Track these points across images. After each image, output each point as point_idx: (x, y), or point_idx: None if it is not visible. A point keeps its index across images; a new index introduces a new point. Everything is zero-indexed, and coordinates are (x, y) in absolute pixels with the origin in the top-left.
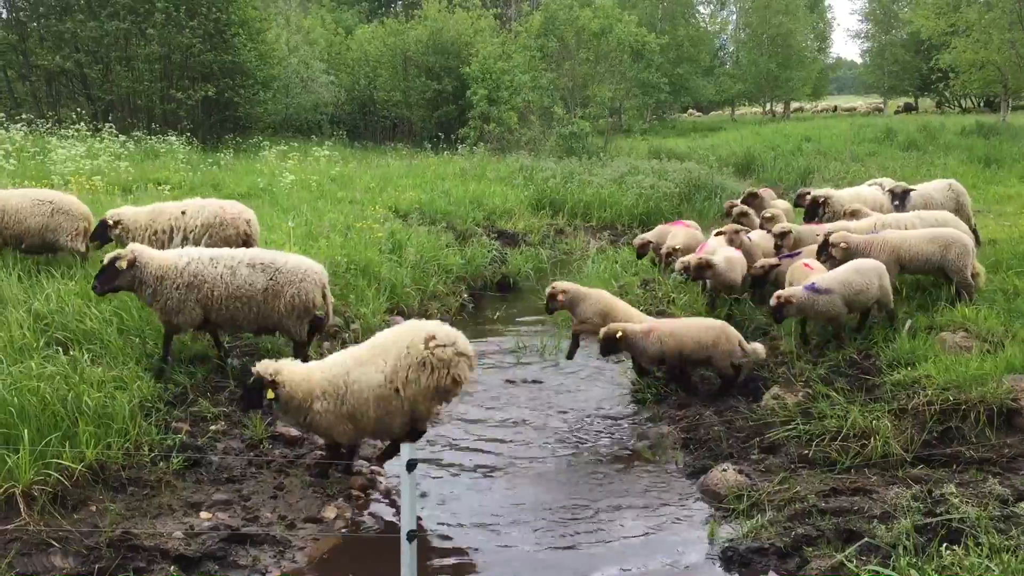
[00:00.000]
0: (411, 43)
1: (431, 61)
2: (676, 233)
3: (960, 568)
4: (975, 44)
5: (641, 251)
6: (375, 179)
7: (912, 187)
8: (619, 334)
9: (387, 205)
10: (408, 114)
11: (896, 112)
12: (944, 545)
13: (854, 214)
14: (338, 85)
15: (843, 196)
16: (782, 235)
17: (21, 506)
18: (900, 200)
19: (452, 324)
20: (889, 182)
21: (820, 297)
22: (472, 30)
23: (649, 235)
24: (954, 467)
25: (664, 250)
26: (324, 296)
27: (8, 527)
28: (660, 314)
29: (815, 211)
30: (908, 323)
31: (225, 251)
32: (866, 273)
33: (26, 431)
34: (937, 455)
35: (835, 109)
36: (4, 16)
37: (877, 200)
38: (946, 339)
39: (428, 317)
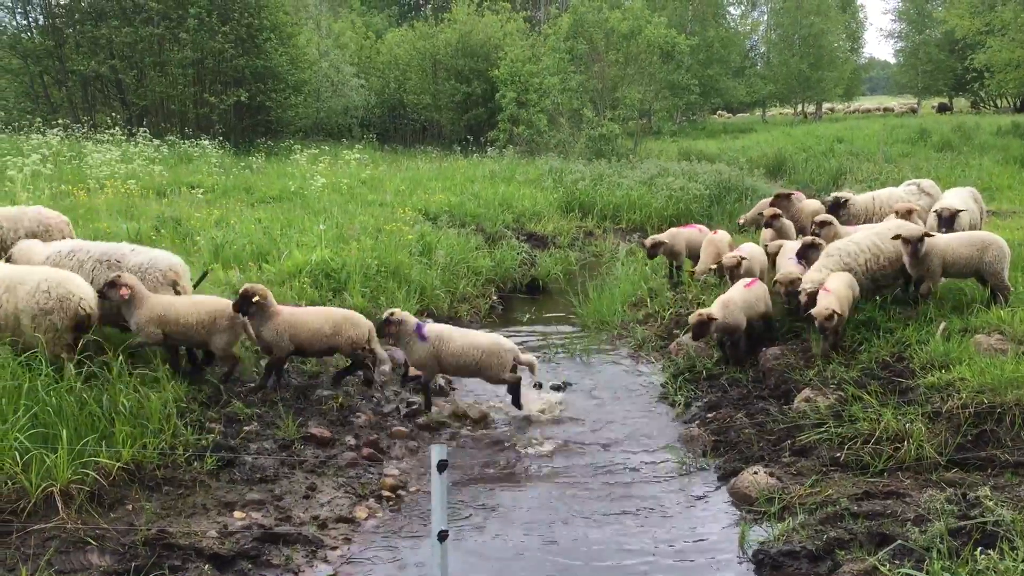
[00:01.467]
0: (440, 46)
1: (460, 64)
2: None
3: (995, 572)
4: (1011, 43)
5: (652, 252)
6: (405, 182)
7: (961, 208)
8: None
9: (417, 208)
10: (437, 117)
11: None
12: (979, 549)
13: (908, 213)
14: (368, 89)
15: (859, 200)
16: (822, 225)
17: (59, 505)
18: (947, 224)
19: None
20: (928, 184)
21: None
22: (501, 33)
23: (663, 236)
24: (989, 470)
25: (699, 272)
26: (178, 291)
27: (47, 525)
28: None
29: (836, 212)
30: (942, 325)
31: (81, 244)
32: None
33: (64, 431)
34: (972, 458)
35: (861, 111)
36: (41, 22)
37: (902, 202)
38: (981, 341)
39: (458, 319)
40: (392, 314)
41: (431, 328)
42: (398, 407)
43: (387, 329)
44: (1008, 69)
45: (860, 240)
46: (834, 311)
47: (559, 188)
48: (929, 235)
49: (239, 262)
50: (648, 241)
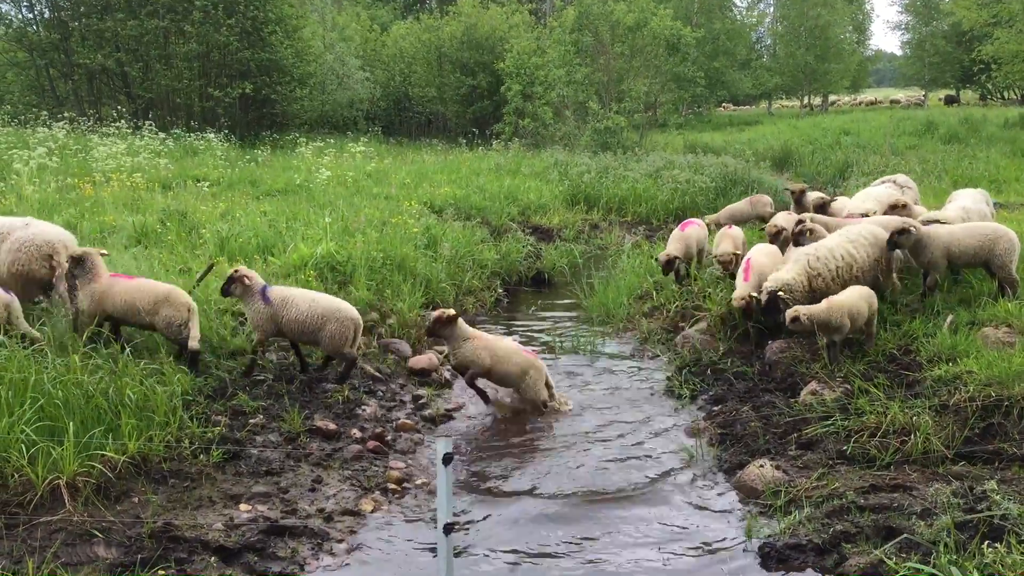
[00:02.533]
0: (446, 39)
1: (465, 57)
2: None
3: (1002, 566)
4: (1018, 35)
5: (668, 267)
6: (410, 175)
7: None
8: None
9: (422, 201)
10: (443, 110)
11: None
12: (986, 542)
13: (900, 207)
14: (373, 81)
15: (868, 206)
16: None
17: (65, 497)
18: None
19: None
20: (903, 178)
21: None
22: (506, 25)
23: (673, 250)
24: (996, 464)
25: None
26: (52, 266)
27: (53, 518)
28: (696, 309)
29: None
30: (949, 318)
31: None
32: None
33: (71, 424)
34: (979, 452)
35: (866, 103)
36: (46, 15)
37: (893, 198)
38: (988, 334)
39: (463, 311)
40: (236, 271)
41: (275, 291)
42: (403, 400)
43: (231, 287)
44: (1015, 61)
45: (833, 247)
46: (798, 316)
47: (564, 181)
48: (908, 230)
49: (244, 255)
50: (662, 257)
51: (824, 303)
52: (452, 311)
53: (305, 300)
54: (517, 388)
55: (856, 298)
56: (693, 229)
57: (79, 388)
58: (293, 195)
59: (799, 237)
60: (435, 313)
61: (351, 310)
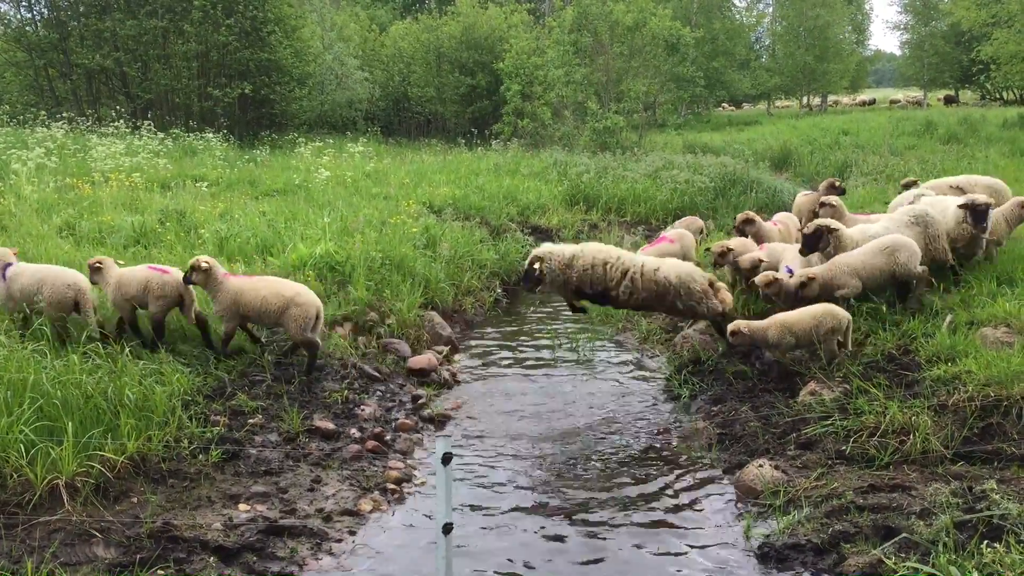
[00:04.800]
0: (444, 39)
1: (464, 57)
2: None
3: (1001, 565)
4: (1017, 35)
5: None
6: (409, 175)
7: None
8: None
9: (421, 201)
10: (442, 110)
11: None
12: (985, 542)
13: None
14: (372, 82)
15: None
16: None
17: (64, 497)
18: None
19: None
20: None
21: None
22: (505, 25)
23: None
24: (995, 464)
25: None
26: None
27: (52, 518)
28: None
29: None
30: (948, 318)
31: None
32: None
33: (70, 424)
34: (978, 452)
35: (861, 102)
36: (45, 15)
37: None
38: (987, 334)
39: (462, 311)
40: None
41: (12, 268)
42: (402, 400)
43: None
44: (1014, 61)
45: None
46: (739, 329)
47: (564, 181)
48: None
49: (243, 255)
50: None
51: (768, 319)
52: (206, 259)
53: (30, 269)
54: (279, 325)
55: (803, 316)
56: (661, 247)
57: (78, 388)
58: (292, 195)
59: (811, 239)
60: (192, 261)
61: (69, 274)
